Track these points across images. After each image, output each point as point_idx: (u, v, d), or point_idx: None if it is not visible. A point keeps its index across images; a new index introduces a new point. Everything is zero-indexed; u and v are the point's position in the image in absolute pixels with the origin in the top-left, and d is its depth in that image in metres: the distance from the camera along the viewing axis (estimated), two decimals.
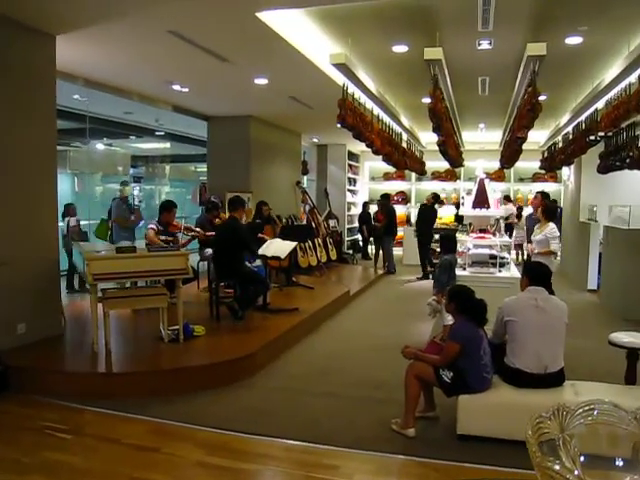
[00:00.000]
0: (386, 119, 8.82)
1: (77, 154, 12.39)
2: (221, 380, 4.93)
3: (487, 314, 4.02)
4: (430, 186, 16.13)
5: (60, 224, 7.24)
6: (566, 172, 13.60)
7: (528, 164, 14.44)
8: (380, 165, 13.88)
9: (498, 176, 15.46)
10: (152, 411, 4.33)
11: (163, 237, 6.77)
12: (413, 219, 14.46)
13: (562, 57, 6.54)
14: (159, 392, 4.68)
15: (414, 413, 3.99)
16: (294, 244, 7.93)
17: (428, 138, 12.13)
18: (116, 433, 3.97)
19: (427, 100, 6.75)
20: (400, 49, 6.43)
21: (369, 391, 4.87)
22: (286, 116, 10.80)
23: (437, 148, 9.27)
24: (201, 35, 5.64)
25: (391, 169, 14.09)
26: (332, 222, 13.49)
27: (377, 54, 6.72)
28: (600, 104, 7.66)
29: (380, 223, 12.16)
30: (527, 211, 12.92)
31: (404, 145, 10.44)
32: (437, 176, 16.37)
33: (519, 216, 13.52)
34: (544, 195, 7.46)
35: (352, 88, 6.81)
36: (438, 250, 8.32)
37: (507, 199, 13.91)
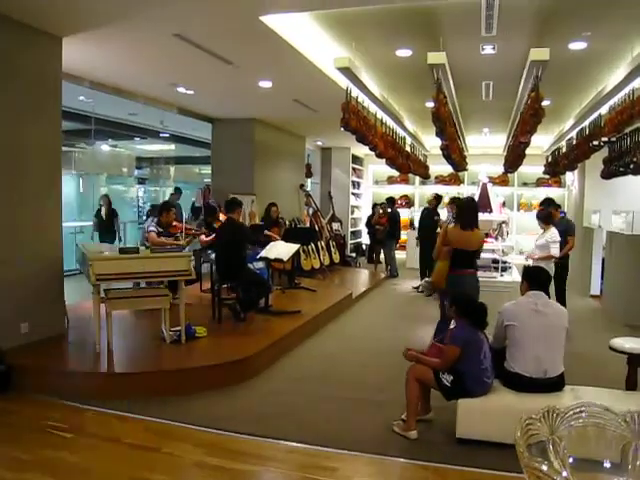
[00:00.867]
0: (390, 123, 8.84)
1: (82, 155, 12.47)
2: (222, 381, 4.94)
3: (488, 318, 4.05)
4: (434, 190, 16.11)
5: None
6: (570, 177, 13.61)
7: (532, 169, 14.45)
8: (384, 169, 13.88)
9: (502, 180, 15.47)
10: (153, 411, 4.35)
11: (163, 238, 6.82)
12: (416, 223, 14.43)
13: (566, 62, 6.55)
14: (160, 392, 4.70)
15: (415, 416, 4.00)
16: (297, 246, 7.94)
17: (432, 142, 12.13)
18: (116, 432, 4.00)
19: (431, 104, 6.77)
20: (404, 53, 6.46)
21: (370, 394, 4.89)
22: (290, 119, 10.84)
23: (441, 152, 9.29)
24: (206, 38, 5.68)
25: (395, 173, 14.11)
26: (335, 225, 13.51)
27: (381, 58, 6.75)
28: (604, 109, 7.67)
29: (382, 226, 12.14)
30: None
31: (408, 149, 10.46)
32: (441, 180, 16.38)
33: None
34: (548, 202, 7.44)
35: (356, 92, 6.84)
36: None
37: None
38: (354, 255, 14.60)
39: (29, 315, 5.41)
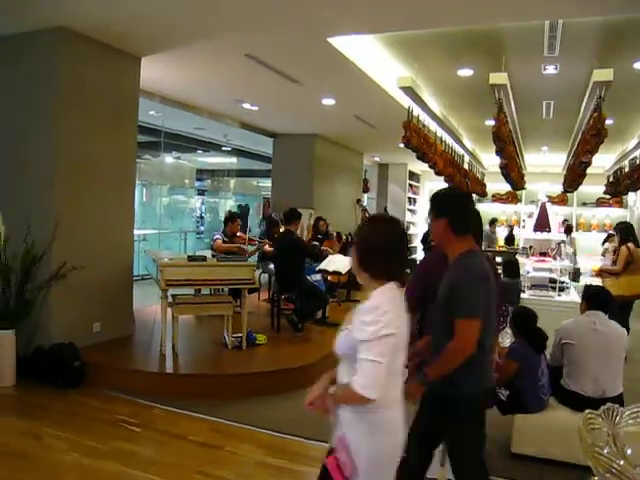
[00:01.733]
0: (449, 141, 8.92)
1: (147, 166, 12.97)
2: (281, 387, 5.11)
3: (546, 343, 4.06)
4: (490, 208, 16.03)
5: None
6: (632, 197, 13.28)
7: (592, 188, 14.10)
8: (440, 185, 13.79)
9: (561, 200, 15.16)
10: (216, 412, 4.55)
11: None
12: None
13: (630, 81, 6.50)
14: (222, 395, 4.92)
15: None
16: None
17: (490, 160, 12.12)
18: (182, 430, 4.21)
19: (491, 122, 6.83)
20: (465, 73, 6.57)
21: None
22: (350, 135, 11.05)
23: (498, 170, 9.26)
24: (275, 58, 5.95)
25: None
26: None
27: (442, 77, 6.88)
28: None
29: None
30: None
31: (466, 167, 10.49)
32: (498, 198, 16.20)
33: None
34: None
35: (417, 110, 6.97)
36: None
37: None
38: (409, 271, 14.58)
39: (101, 316, 5.75)
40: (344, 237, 11.33)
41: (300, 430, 4.26)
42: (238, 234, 7.52)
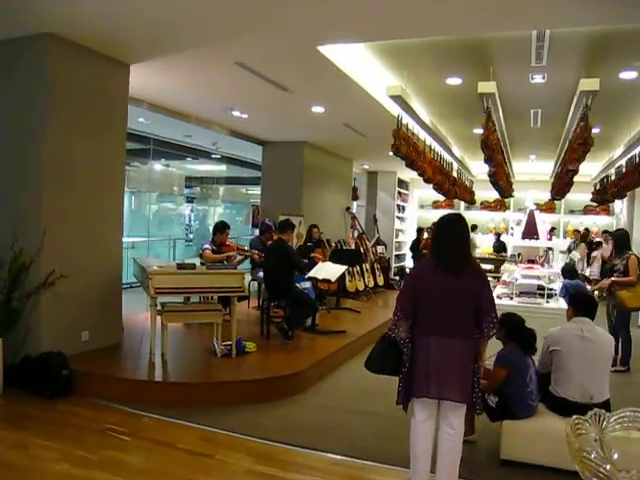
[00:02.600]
0: (438, 149, 8.99)
1: (136, 173, 12.97)
2: (271, 395, 5.11)
3: (536, 343, 4.11)
4: (479, 215, 16.14)
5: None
6: (619, 205, 13.41)
7: (579, 196, 14.27)
8: (429, 193, 13.98)
9: (548, 207, 15.30)
10: (205, 420, 4.53)
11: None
12: None
13: (616, 91, 6.60)
14: (212, 403, 4.91)
15: None
16: (344, 268, 8.10)
17: (478, 168, 12.21)
18: (171, 438, 4.19)
19: (479, 131, 6.90)
20: (454, 82, 6.64)
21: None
22: (339, 143, 11.09)
23: (487, 178, 9.34)
24: (266, 66, 5.98)
25: (440, 197, 14.17)
26: (380, 248, 13.62)
27: (431, 86, 6.94)
28: None
29: (427, 250, 12.19)
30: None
31: (454, 174, 10.56)
32: (486, 206, 16.33)
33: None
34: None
35: (406, 118, 7.02)
36: None
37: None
38: (398, 278, 14.65)
39: (90, 324, 5.71)
40: (333, 244, 11.38)
41: (290, 438, 4.25)
42: (227, 243, 7.52)
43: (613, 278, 6.14)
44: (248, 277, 8.43)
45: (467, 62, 6.03)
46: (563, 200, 14.40)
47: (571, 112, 6.78)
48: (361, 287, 11.05)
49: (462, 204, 15.99)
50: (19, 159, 5.33)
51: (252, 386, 5.19)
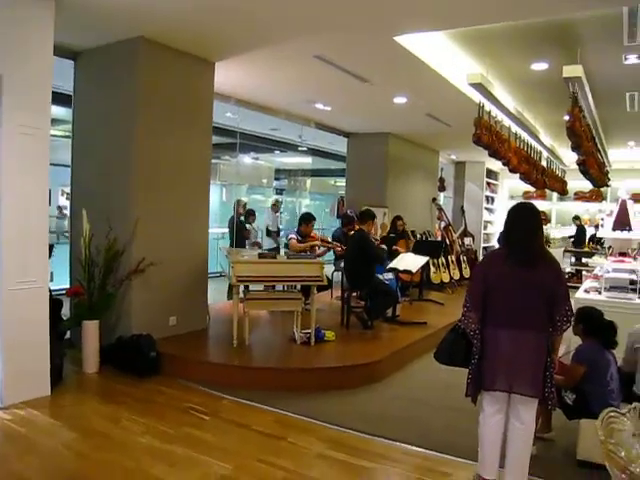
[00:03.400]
0: (524, 137, 8.68)
1: (226, 167, 13.41)
2: (347, 383, 5.20)
3: (617, 337, 3.93)
4: (573, 206, 15.45)
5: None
6: None
7: None
8: (520, 184, 13.43)
9: None
10: (281, 404, 4.69)
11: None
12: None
13: None
14: (288, 388, 5.06)
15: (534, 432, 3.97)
16: (426, 259, 8.05)
17: (571, 157, 11.66)
18: (247, 420, 4.37)
19: (567, 118, 6.62)
20: (540, 67, 6.40)
21: None
22: (423, 133, 10.97)
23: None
24: (344, 59, 6.03)
25: (531, 188, 13.64)
26: (467, 240, 13.36)
27: (516, 72, 6.73)
28: None
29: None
30: None
31: (544, 163, 10.16)
32: (581, 196, 15.56)
33: None
34: None
35: (489, 106, 6.85)
36: None
37: None
38: None
39: (177, 310, 6.04)
40: (418, 236, 11.29)
41: (362, 426, 4.32)
42: (312, 234, 7.70)
43: None
44: (331, 267, 8.57)
45: (553, 45, 5.78)
46: None
47: None
48: (446, 279, 10.92)
49: (555, 195, 15.35)
50: (113, 154, 5.72)
51: (327, 373, 5.30)
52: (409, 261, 7.75)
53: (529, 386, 3.17)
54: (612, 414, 1.20)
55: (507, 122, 7.73)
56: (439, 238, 12.51)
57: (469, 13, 4.78)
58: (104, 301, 5.48)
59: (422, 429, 4.36)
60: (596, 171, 8.99)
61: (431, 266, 10.36)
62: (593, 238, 13.62)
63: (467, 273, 12.12)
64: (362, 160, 11.10)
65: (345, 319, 6.89)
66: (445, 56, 6.27)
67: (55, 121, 6.64)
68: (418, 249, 9.02)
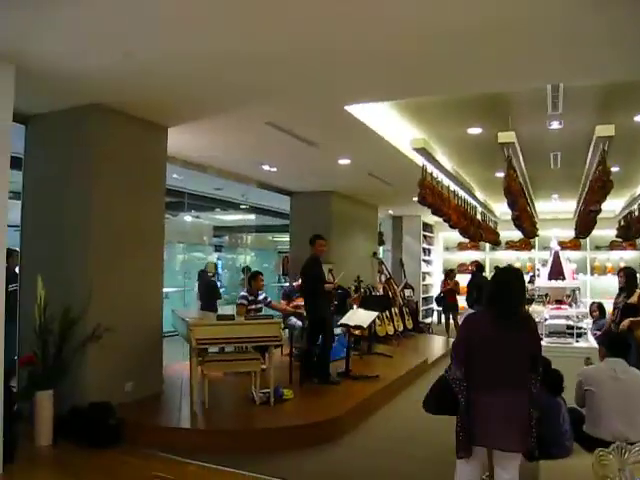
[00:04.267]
0: (462, 194, 9.20)
1: (166, 225, 13.32)
2: (311, 440, 5.24)
3: (564, 383, 4.16)
4: (504, 256, 16.22)
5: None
6: None
7: (604, 232, 14.21)
8: (454, 235, 14.07)
9: (574, 244, 15.26)
10: (247, 467, 4.64)
11: (253, 307, 7.44)
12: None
13: (633, 132, 6.73)
14: (255, 449, 5.05)
15: None
16: (376, 314, 8.25)
17: (502, 209, 12.37)
18: None
19: (501, 174, 7.11)
20: (475, 131, 6.91)
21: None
22: (365, 191, 11.36)
23: (511, 218, 9.50)
24: (295, 125, 6.34)
25: (465, 239, 14.25)
26: (408, 292, 13.72)
27: (453, 136, 7.23)
28: None
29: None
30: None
31: (479, 217, 10.72)
32: (511, 245, 16.40)
33: None
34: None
35: (430, 167, 7.28)
36: None
37: None
38: (428, 321, 14.68)
39: (133, 375, 5.93)
40: (362, 290, 11.52)
41: None
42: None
43: (631, 319, 6.18)
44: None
45: (486, 113, 6.30)
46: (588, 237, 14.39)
47: (589, 155, 6.94)
48: (391, 331, 11.13)
49: (487, 245, 16.05)
50: (68, 219, 5.69)
51: (291, 432, 5.32)
52: (361, 316, 7.93)
53: (515, 443, 3.28)
54: (602, 453, 1.38)
55: (446, 181, 8.20)
56: (381, 291, 12.78)
57: (415, 86, 5.24)
58: (59, 369, 5.33)
59: None
60: (528, 224, 9.58)
61: (377, 319, 10.56)
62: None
63: (410, 324, 12.42)
64: (306, 218, 11.26)
65: (298, 376, 6.94)
66: (388, 122, 6.69)
67: None
68: (366, 304, 9.22)
